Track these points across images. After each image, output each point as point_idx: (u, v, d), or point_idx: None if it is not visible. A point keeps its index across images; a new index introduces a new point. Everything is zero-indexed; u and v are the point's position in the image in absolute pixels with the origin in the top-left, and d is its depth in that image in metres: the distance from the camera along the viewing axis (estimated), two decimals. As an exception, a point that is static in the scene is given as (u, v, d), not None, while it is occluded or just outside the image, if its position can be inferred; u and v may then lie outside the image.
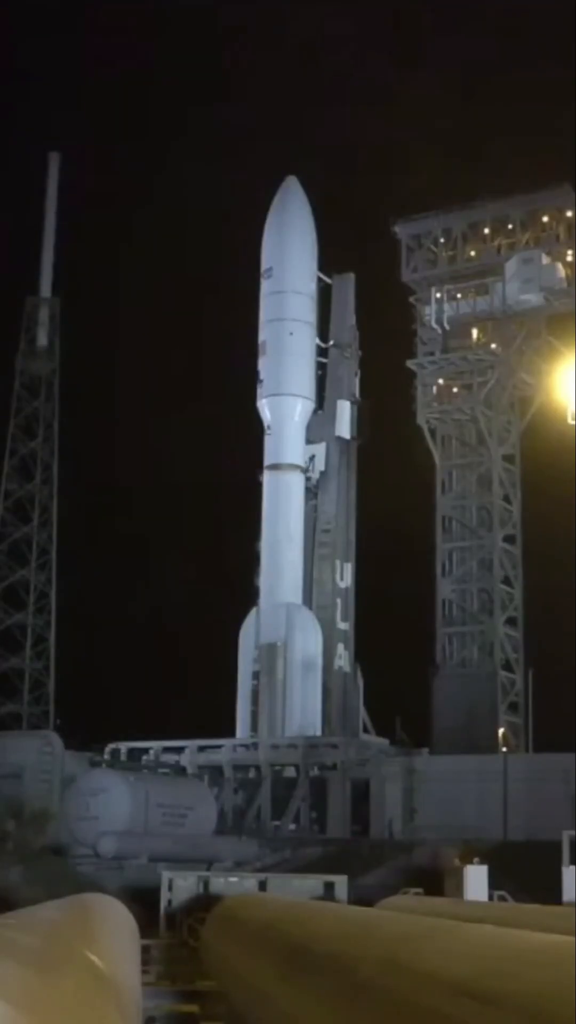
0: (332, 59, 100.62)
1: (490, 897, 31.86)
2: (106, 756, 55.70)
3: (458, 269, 67.80)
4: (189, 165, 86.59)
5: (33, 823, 44.19)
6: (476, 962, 5.71)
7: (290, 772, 55.39)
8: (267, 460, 60.39)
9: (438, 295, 66.99)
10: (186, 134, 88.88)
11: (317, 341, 61.81)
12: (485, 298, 66.74)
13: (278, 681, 57.23)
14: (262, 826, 53.08)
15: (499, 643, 64.73)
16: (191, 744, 56.88)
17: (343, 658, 59.95)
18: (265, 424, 60.48)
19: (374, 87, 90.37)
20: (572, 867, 33.17)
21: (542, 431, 62.38)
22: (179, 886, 28.28)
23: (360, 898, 27.00)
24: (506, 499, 66.72)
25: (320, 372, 62.03)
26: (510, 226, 67.36)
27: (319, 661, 58.32)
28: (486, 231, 68.01)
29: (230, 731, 58.34)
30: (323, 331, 62.43)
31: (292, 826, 53.72)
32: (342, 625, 60.45)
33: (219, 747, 56.99)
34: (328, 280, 63.02)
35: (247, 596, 60.19)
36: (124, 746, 57.26)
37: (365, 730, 58.53)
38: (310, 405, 61.15)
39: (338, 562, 60.72)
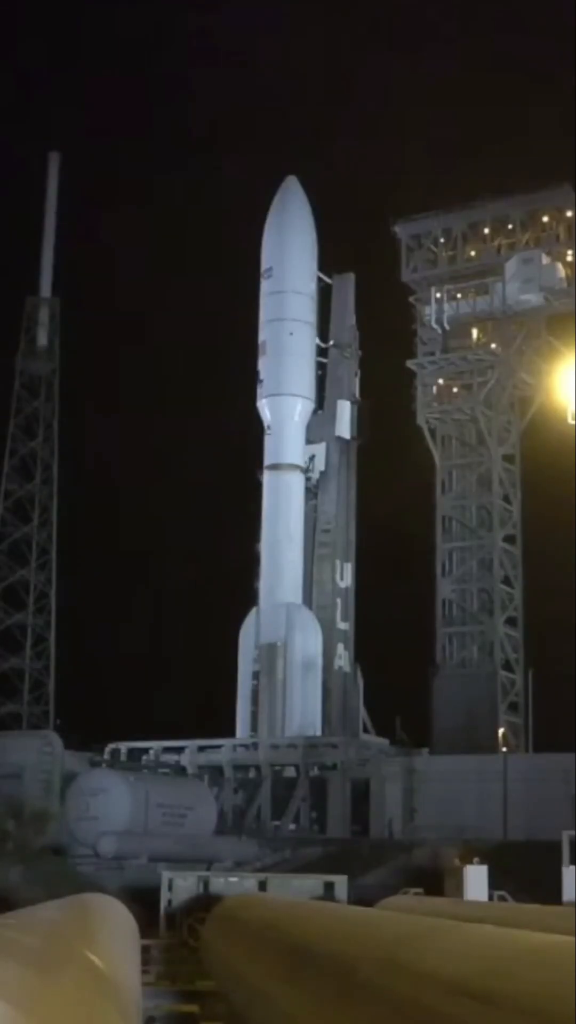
0: (332, 59, 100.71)
1: (490, 897, 31.86)
2: (106, 756, 55.71)
3: (458, 269, 67.78)
4: (189, 165, 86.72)
5: (33, 823, 44.16)
6: (476, 962, 5.71)
7: (290, 772, 55.39)
8: (267, 460, 60.39)
9: (438, 295, 66.97)
10: (186, 134, 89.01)
11: (317, 341, 61.82)
12: (485, 298, 66.73)
13: (278, 681, 57.24)
14: (262, 826, 53.08)
15: (499, 643, 64.73)
16: (191, 744, 56.88)
17: (343, 658, 59.95)
18: (265, 424, 60.48)
19: (374, 87, 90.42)
20: (572, 867, 33.17)
21: (542, 431, 62.43)
22: (179, 886, 28.28)
23: (360, 898, 27.00)
24: (506, 499, 66.72)
25: (320, 372, 62.05)
26: (510, 226, 67.35)
27: (319, 661, 58.33)
28: (486, 231, 68.00)
29: (230, 731, 58.35)
30: (323, 331, 62.44)
31: (292, 826, 53.71)
32: (342, 625, 60.45)
33: (219, 747, 56.99)
34: (328, 280, 63.03)
35: (247, 596, 60.26)
36: (124, 746, 57.27)
37: (365, 730, 58.54)
38: (310, 405, 61.17)
39: (338, 562, 60.73)
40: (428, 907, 23.14)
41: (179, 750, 56.99)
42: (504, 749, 60.41)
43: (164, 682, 71.86)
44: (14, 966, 4.82)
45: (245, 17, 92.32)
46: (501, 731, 62.66)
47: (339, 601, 60.51)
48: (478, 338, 67.50)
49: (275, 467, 60.17)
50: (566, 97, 65.12)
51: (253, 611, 58.97)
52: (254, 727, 57.48)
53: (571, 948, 5.21)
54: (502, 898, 31.40)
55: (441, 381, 67.55)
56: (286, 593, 58.79)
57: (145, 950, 18.48)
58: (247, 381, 61.56)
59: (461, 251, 68.31)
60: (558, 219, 66.66)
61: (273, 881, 29.40)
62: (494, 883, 33.03)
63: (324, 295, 62.91)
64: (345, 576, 61.04)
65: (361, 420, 62.57)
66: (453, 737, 59.41)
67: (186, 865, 34.69)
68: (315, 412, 61.41)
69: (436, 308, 66.94)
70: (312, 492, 61.10)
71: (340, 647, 59.88)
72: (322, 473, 61.21)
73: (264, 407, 60.57)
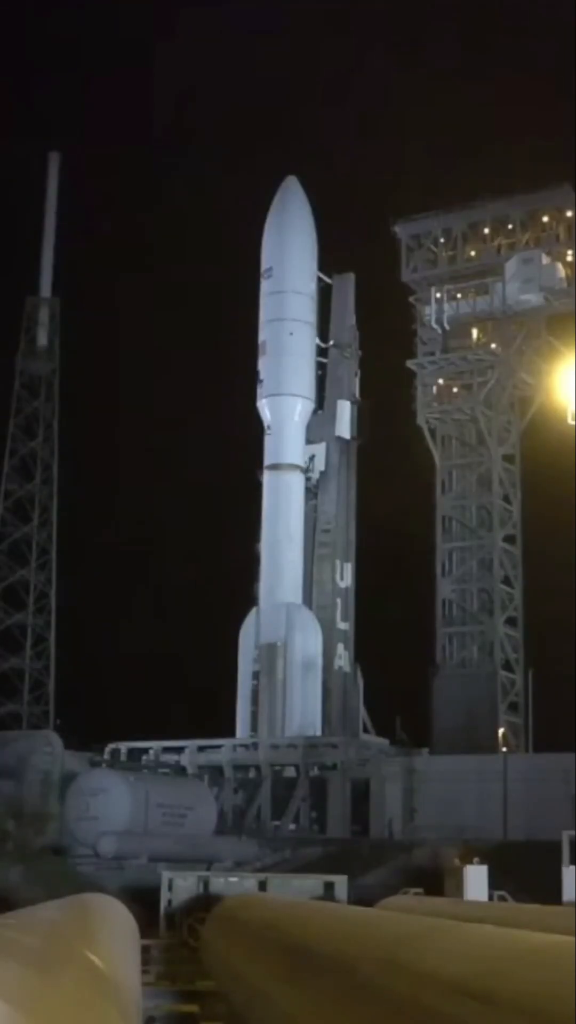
0: (333, 59, 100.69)
1: (490, 897, 31.86)
2: (106, 756, 55.69)
3: (458, 269, 67.78)
4: (189, 165, 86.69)
5: (33, 823, 44.17)
6: (476, 962, 5.70)
7: (290, 772, 55.38)
8: (267, 460, 60.39)
9: (438, 295, 66.98)
10: (186, 134, 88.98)
11: (317, 341, 61.81)
12: (485, 298, 66.74)
13: (278, 681, 57.23)
14: (262, 826, 53.07)
15: (499, 643, 64.73)
16: (191, 744, 56.88)
17: (343, 658, 59.94)
18: (265, 424, 60.48)
19: (374, 87, 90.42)
20: (572, 867, 33.16)
21: (542, 431, 62.42)
22: (179, 886, 28.27)
23: (360, 898, 27.00)
24: (506, 499, 66.73)
25: (320, 372, 62.03)
26: (510, 226, 67.35)
27: (319, 661, 58.33)
28: (486, 231, 67.99)
29: (230, 731, 58.34)
30: (323, 331, 62.43)
31: (292, 826, 53.70)
32: (342, 625, 60.45)
33: (219, 747, 56.98)
34: (328, 280, 63.02)
35: (247, 596, 60.25)
36: (124, 746, 57.26)
37: (365, 730, 58.53)
38: (310, 405, 61.16)
39: (338, 562, 60.72)
40: (428, 907, 23.13)
41: (179, 750, 56.99)
42: (504, 749, 60.42)
43: (164, 682, 71.90)
44: (14, 966, 4.82)
45: (245, 17, 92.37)
46: (501, 731, 62.67)
47: (339, 601, 60.50)
48: (478, 338, 67.51)
49: (275, 467, 60.17)
50: (566, 97, 65.20)
51: (253, 611, 58.97)
52: (254, 727, 57.47)
53: (571, 948, 5.21)
54: (502, 898, 31.39)
55: (441, 381, 67.55)
56: (286, 593, 58.79)
57: (145, 950, 18.46)
58: (247, 381, 61.59)
59: (461, 251, 68.30)
60: (558, 219, 66.65)
61: (273, 881, 29.39)
62: (494, 883, 33.02)
63: (324, 295, 62.92)
64: (345, 576, 61.03)
65: (361, 420, 62.57)
66: (453, 737, 59.41)
67: (186, 865, 34.67)
68: (315, 412, 61.40)
69: (436, 308, 66.95)
70: (312, 492, 61.10)
71: (340, 647, 59.88)
72: (322, 473, 61.21)
73: (264, 407, 60.56)
